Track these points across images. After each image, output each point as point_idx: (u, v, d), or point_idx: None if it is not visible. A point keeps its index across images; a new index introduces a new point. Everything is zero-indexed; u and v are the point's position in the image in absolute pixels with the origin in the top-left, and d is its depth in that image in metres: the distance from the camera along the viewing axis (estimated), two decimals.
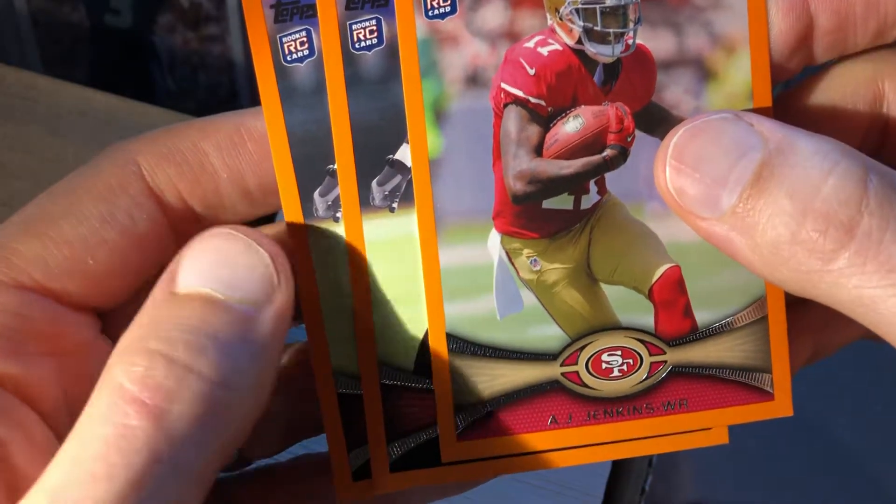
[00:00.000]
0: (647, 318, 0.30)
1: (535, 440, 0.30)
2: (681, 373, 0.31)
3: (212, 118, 0.31)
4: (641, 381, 0.31)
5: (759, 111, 0.29)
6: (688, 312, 0.30)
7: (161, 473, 0.24)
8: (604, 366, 0.30)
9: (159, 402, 0.24)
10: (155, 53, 0.67)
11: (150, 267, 0.30)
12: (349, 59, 0.29)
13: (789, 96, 0.31)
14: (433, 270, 0.29)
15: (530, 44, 0.29)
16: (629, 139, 0.29)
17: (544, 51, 0.29)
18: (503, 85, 0.29)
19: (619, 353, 0.30)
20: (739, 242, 0.26)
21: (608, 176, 0.30)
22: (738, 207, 0.26)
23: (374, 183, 0.29)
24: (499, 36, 0.29)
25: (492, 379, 0.30)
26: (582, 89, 0.29)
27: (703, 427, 0.31)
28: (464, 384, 0.30)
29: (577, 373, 0.30)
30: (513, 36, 0.29)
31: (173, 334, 0.25)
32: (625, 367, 0.30)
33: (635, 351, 0.30)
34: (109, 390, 0.24)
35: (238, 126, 0.30)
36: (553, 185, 0.30)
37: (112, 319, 0.31)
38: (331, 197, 0.29)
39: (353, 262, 0.30)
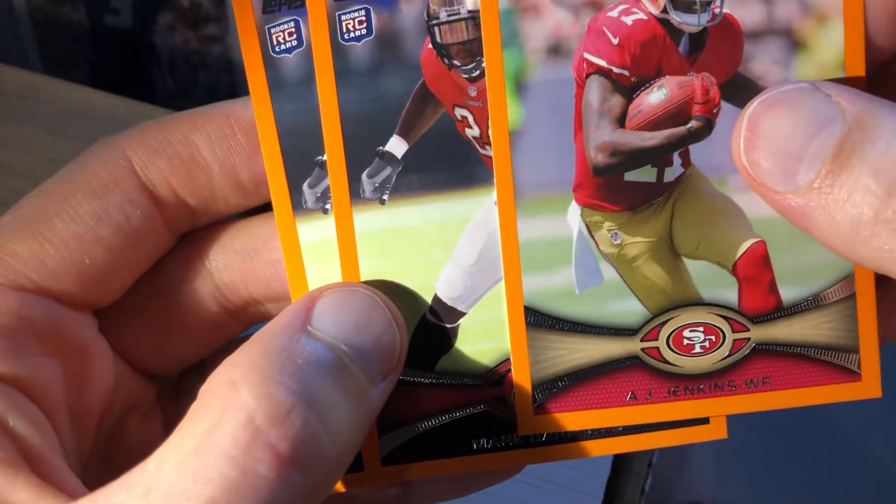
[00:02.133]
0: (730, 294, 0.30)
1: (614, 416, 0.30)
2: (764, 350, 0.30)
3: (201, 109, 0.30)
4: (724, 359, 0.30)
5: (851, 82, 0.28)
6: (772, 289, 0.30)
7: None
8: (685, 342, 0.30)
9: (292, 457, 0.23)
10: (155, 53, 0.66)
11: (143, 263, 0.30)
12: (338, 50, 0.28)
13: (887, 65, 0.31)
14: (512, 242, 0.29)
15: (614, 13, 0.28)
16: (714, 110, 0.29)
17: (628, 20, 0.28)
18: (586, 55, 0.28)
19: (701, 329, 0.30)
20: (816, 218, 0.25)
21: (692, 148, 0.29)
22: (816, 183, 0.25)
23: (364, 175, 0.29)
24: (582, 5, 0.28)
25: (570, 353, 0.29)
26: (666, 59, 0.29)
27: (788, 405, 0.30)
28: (541, 358, 0.29)
29: (657, 348, 0.30)
30: (596, 5, 0.28)
31: (314, 382, 0.24)
32: (707, 344, 0.30)
33: (718, 327, 0.30)
34: (237, 420, 0.23)
35: (228, 116, 0.30)
36: (635, 157, 0.29)
37: (106, 316, 0.30)
38: (320, 188, 0.29)
39: (344, 255, 0.29)
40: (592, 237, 0.29)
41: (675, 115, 0.29)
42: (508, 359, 0.30)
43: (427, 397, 0.30)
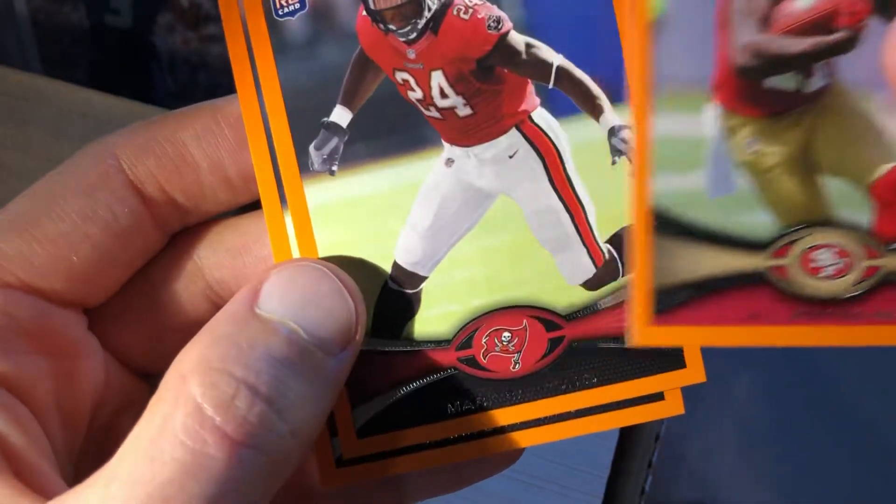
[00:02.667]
0: (865, 217, 0.28)
1: (732, 334, 0.28)
2: None
3: (188, 108, 0.30)
4: (854, 285, 0.28)
5: None
6: None
7: None
8: (814, 263, 0.28)
9: (241, 437, 0.24)
10: (155, 53, 0.67)
11: (133, 261, 0.30)
12: (273, 26, 0.28)
13: None
14: (643, 136, 0.27)
15: None
16: (861, 23, 0.27)
17: None
18: None
19: (833, 250, 0.28)
20: None
21: (837, 61, 0.27)
22: None
23: (311, 147, 0.29)
24: None
25: (695, 263, 0.28)
26: None
27: None
28: (664, 265, 0.28)
29: (785, 267, 0.28)
30: None
31: (259, 365, 0.25)
32: (839, 267, 0.28)
33: (850, 251, 0.28)
34: (186, 409, 0.24)
35: (214, 113, 0.30)
36: (778, 62, 0.27)
37: (98, 315, 0.30)
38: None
39: (298, 230, 0.29)
40: (728, 142, 0.28)
41: (821, 23, 0.27)
42: (474, 319, 0.29)
43: (396, 365, 0.30)
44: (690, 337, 0.28)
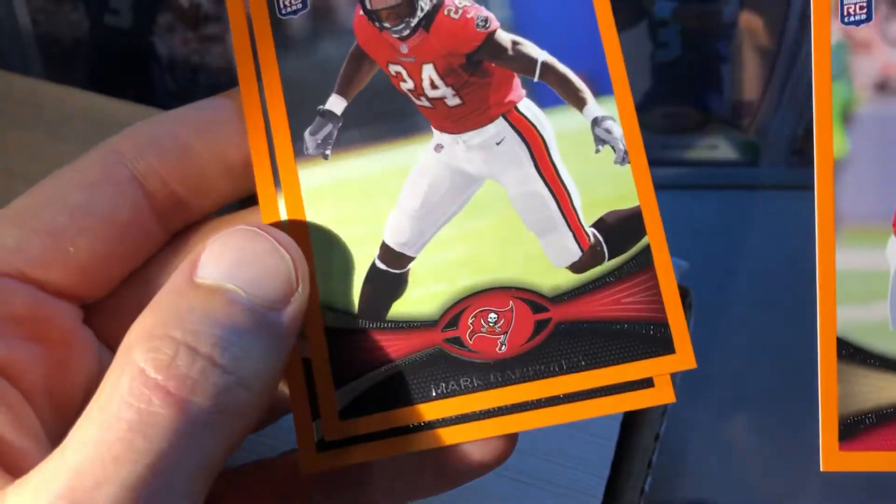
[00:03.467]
0: None
1: None
2: None
3: (188, 105, 0.31)
4: None
5: None
6: None
7: (179, 461, 0.24)
8: None
9: (184, 392, 0.25)
10: (155, 53, 0.67)
11: (133, 256, 0.31)
12: (277, 24, 0.30)
13: None
14: (829, 271, 0.29)
15: None
16: None
17: None
18: None
19: None
20: None
21: None
22: None
23: (306, 133, 0.30)
24: None
25: (878, 391, 0.29)
26: None
27: None
28: (849, 394, 0.29)
29: None
30: None
31: (197, 327, 0.25)
32: None
33: None
34: (131, 374, 0.25)
35: (216, 107, 0.31)
36: None
37: (96, 311, 0.31)
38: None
39: (290, 210, 0.30)
40: None
41: None
42: (461, 300, 0.30)
43: (382, 345, 0.30)
44: (878, 462, 0.29)
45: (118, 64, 0.68)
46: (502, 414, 0.30)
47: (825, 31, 0.29)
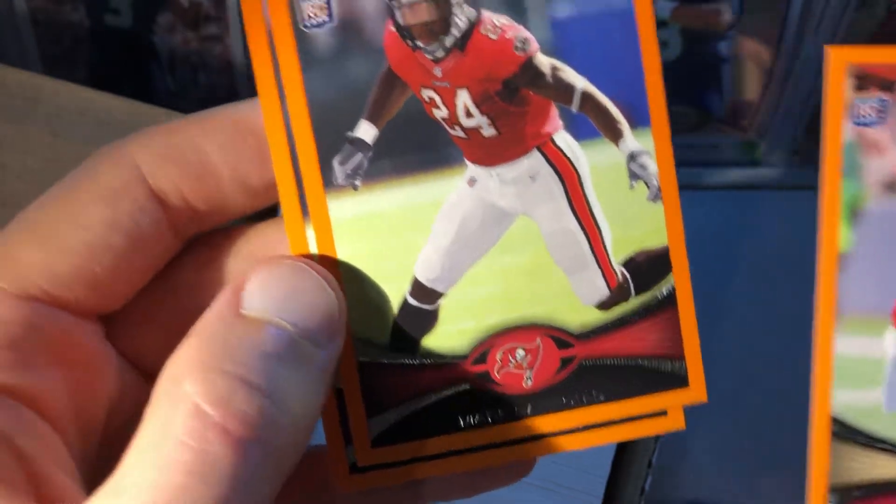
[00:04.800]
0: None
1: None
2: None
3: (209, 112, 0.30)
4: None
5: None
6: None
7: None
8: None
9: (243, 432, 0.24)
10: (155, 53, 0.66)
11: (150, 268, 0.30)
12: (301, 38, 0.28)
13: None
14: (826, 354, 0.31)
15: None
16: None
17: None
18: None
19: None
20: None
21: None
22: None
23: (335, 162, 0.29)
24: None
25: (870, 468, 0.31)
26: None
27: None
28: (841, 467, 0.31)
29: None
30: None
31: (252, 361, 0.25)
32: None
33: None
34: (185, 410, 0.24)
35: (237, 120, 0.30)
36: None
37: (112, 321, 0.30)
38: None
39: (320, 243, 0.29)
40: None
41: None
42: (490, 336, 0.30)
43: (413, 378, 0.30)
44: None
45: (118, 64, 0.66)
46: (525, 442, 0.31)
47: (837, 131, 0.30)
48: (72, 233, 0.28)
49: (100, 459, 0.30)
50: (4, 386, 0.26)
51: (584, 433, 0.31)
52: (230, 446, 0.24)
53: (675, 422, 0.31)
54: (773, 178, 0.73)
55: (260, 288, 0.26)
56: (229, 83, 0.67)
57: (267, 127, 0.29)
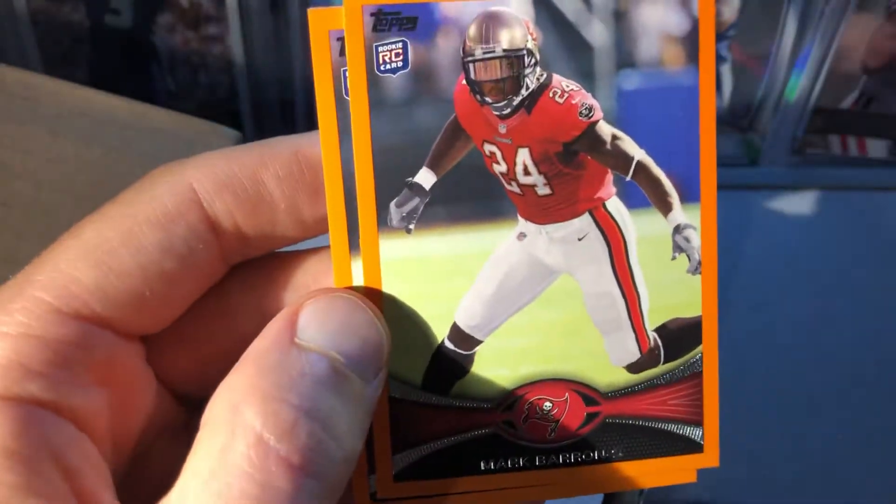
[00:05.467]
0: None
1: None
2: None
3: (268, 142, 0.30)
4: None
5: None
6: None
7: None
8: None
9: (305, 466, 0.24)
10: (155, 53, 0.66)
11: (197, 292, 0.30)
12: (374, 81, 0.29)
13: None
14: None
15: None
16: None
17: None
18: None
19: None
20: None
21: None
22: None
23: (392, 204, 0.29)
24: None
25: None
26: None
27: None
28: None
29: None
30: None
31: (313, 394, 0.25)
32: None
33: None
34: (247, 440, 0.24)
35: (296, 154, 0.30)
36: None
37: (152, 342, 0.30)
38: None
39: (368, 280, 0.30)
40: None
41: None
42: (521, 386, 0.31)
43: (441, 419, 0.31)
44: None
45: (118, 64, 0.65)
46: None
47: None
48: (126, 255, 0.28)
49: (126, 476, 0.29)
50: (54, 403, 0.26)
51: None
52: (292, 481, 0.24)
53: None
54: (773, 178, 0.74)
55: (315, 319, 0.27)
56: (229, 83, 0.67)
57: (325, 163, 0.29)
